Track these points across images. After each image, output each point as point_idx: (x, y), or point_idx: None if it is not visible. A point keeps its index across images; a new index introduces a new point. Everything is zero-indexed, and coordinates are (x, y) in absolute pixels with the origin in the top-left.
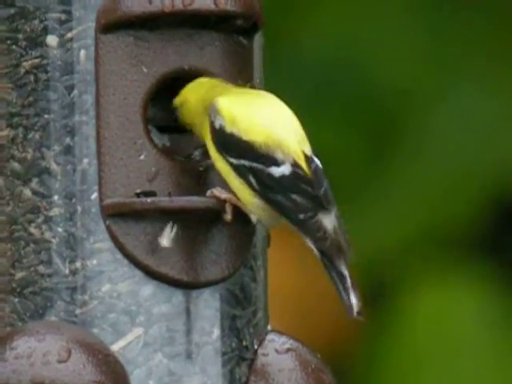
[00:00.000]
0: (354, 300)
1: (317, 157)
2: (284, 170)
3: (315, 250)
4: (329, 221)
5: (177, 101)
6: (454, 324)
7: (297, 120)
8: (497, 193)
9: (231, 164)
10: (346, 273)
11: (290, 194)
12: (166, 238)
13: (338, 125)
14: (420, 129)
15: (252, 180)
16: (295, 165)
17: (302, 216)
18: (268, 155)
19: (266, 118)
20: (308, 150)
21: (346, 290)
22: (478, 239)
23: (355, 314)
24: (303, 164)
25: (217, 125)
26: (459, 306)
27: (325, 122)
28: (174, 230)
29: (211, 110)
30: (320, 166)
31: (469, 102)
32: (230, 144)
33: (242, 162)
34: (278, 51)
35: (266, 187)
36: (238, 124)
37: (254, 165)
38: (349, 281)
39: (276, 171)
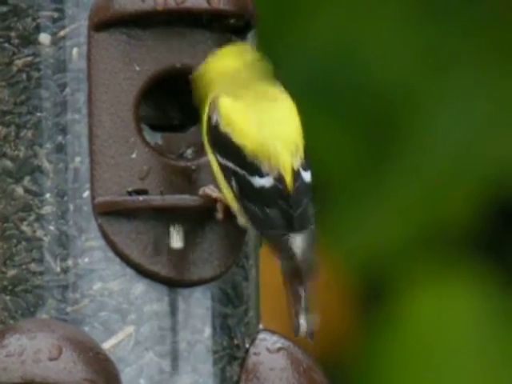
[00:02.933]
0: (302, 322)
1: (307, 171)
2: (265, 182)
3: (280, 264)
4: (299, 241)
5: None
6: (452, 324)
7: (299, 128)
8: (495, 192)
9: (219, 162)
10: (302, 294)
11: (265, 207)
12: (176, 240)
13: (336, 124)
14: (419, 128)
15: (234, 183)
16: (278, 179)
17: (271, 232)
18: (253, 164)
19: (263, 125)
20: (298, 164)
21: (297, 311)
22: (476, 239)
23: (301, 334)
24: (288, 178)
25: (213, 121)
26: (458, 305)
27: (323, 120)
28: (180, 229)
29: (212, 105)
30: (307, 181)
31: (467, 102)
32: (221, 143)
33: (228, 163)
34: (277, 49)
35: (244, 194)
36: (232, 126)
37: (238, 170)
38: (303, 303)
39: (257, 181)
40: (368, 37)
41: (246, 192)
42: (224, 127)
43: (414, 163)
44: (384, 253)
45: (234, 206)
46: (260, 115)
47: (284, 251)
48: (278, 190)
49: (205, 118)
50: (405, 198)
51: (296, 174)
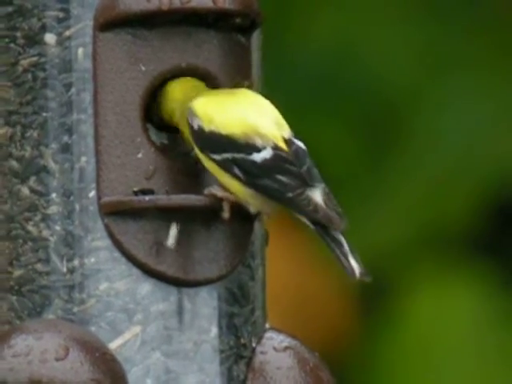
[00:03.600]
0: (353, 262)
1: (299, 140)
2: (265, 154)
3: (308, 223)
4: (317, 195)
5: (162, 95)
6: (452, 323)
7: (275, 110)
8: (496, 192)
9: (215, 160)
10: (341, 238)
11: (275, 176)
12: (171, 238)
13: (337, 124)
14: (421, 128)
15: (237, 171)
16: (276, 148)
17: (290, 194)
18: (248, 143)
19: (240, 110)
20: (287, 134)
21: (344, 254)
22: (477, 239)
23: (358, 275)
24: (283, 146)
25: (195, 126)
26: (458, 305)
27: (325, 120)
28: (178, 228)
29: (188, 114)
30: (302, 147)
31: (468, 102)
32: (211, 141)
33: (225, 155)
34: (280, 49)
35: (252, 174)
36: (214, 121)
37: (236, 155)
38: (346, 245)
39: (258, 157)
40: (369, 36)
41: (252, 172)
42: (207, 126)
43: (414, 163)
44: (384, 252)
45: (243, 194)
46: (234, 104)
47: (309, 206)
48: (280, 157)
49: (185, 125)
50: (405, 198)
51: (289, 142)
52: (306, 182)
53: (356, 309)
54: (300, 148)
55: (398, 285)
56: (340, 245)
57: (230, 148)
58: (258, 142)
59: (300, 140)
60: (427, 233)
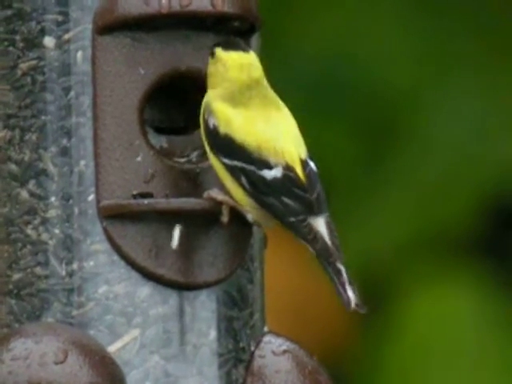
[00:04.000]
0: (350, 293)
1: (312, 161)
2: (276, 173)
3: (310, 249)
4: (320, 224)
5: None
6: (452, 324)
7: (296, 126)
8: (495, 194)
9: (224, 164)
10: (341, 267)
11: (282, 197)
12: (175, 239)
13: (335, 125)
14: (419, 129)
15: (244, 181)
16: (288, 168)
17: (292, 219)
18: (260, 158)
19: (261, 121)
20: (303, 155)
21: (342, 284)
22: (476, 240)
23: (353, 306)
24: (297, 167)
25: (210, 125)
26: (458, 306)
27: (323, 122)
28: (181, 230)
29: (205, 109)
30: (315, 169)
31: (467, 103)
32: (223, 144)
33: (235, 162)
34: (278, 51)
35: (258, 189)
36: (231, 125)
37: (246, 167)
38: (345, 275)
39: (268, 174)
40: (368, 38)
41: (259, 187)
42: (224, 128)
43: (413, 165)
44: (384, 254)
45: (245, 203)
46: (259, 117)
47: (309, 235)
48: (290, 179)
49: (201, 120)
50: (405, 199)
51: (304, 162)
52: (312, 210)
53: (355, 312)
54: (313, 171)
55: (397, 287)
56: (339, 273)
57: (242, 157)
58: (272, 159)
59: (312, 160)
60: (426, 234)
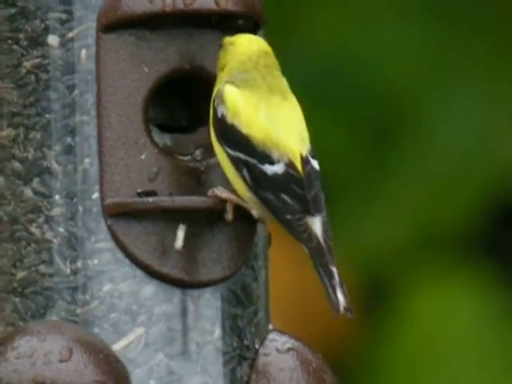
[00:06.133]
0: (340, 296)
1: (315, 159)
2: (277, 169)
3: (304, 248)
4: (315, 224)
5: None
6: (454, 323)
7: (302, 119)
8: (495, 193)
9: (228, 154)
10: (333, 269)
11: (280, 194)
12: (179, 239)
13: (339, 125)
14: (422, 130)
15: (245, 174)
16: (289, 165)
17: (289, 216)
18: (264, 152)
19: (269, 116)
20: (306, 152)
21: (332, 286)
22: (478, 239)
23: (341, 310)
24: (298, 165)
25: (219, 113)
26: (460, 305)
27: (326, 122)
28: (185, 230)
29: (217, 96)
30: (316, 168)
31: (471, 104)
32: (229, 134)
33: (238, 154)
34: (282, 50)
35: (258, 183)
36: (239, 116)
37: (249, 159)
38: (336, 278)
39: (269, 169)
40: (371, 37)
41: (259, 181)
42: (231, 118)
43: (416, 164)
44: (386, 253)
45: (247, 196)
46: (267, 107)
47: (304, 233)
48: (290, 176)
49: (211, 107)
50: (407, 198)
51: (305, 160)
52: (309, 210)
53: (358, 310)
54: (313, 169)
55: (399, 285)
56: (331, 275)
57: (246, 150)
58: (274, 154)
59: (316, 159)
60: (429, 233)
